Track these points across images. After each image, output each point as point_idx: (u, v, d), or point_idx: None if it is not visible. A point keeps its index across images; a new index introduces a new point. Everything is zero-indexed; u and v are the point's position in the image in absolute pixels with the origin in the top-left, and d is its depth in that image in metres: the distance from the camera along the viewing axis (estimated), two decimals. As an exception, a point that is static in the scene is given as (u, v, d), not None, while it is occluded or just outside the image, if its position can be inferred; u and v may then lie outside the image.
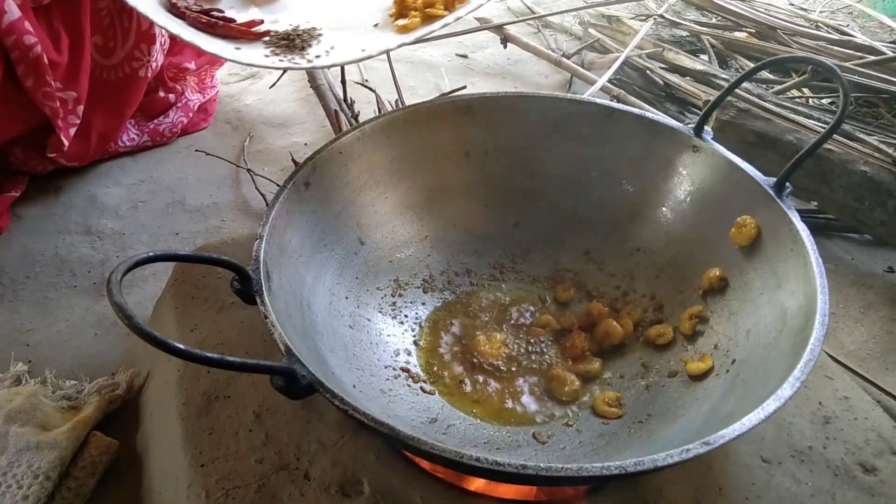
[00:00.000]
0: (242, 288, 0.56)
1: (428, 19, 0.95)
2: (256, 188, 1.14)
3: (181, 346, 0.43)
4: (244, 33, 0.95)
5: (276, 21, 0.99)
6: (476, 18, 1.68)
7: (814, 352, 0.53)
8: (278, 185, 0.67)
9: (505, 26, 1.59)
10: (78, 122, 1.06)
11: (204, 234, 1.08)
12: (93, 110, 1.10)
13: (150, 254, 0.49)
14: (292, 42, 0.92)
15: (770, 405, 0.49)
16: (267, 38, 0.94)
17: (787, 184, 0.67)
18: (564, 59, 1.51)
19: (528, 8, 1.81)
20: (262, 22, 0.98)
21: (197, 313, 0.75)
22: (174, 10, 0.95)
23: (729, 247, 0.70)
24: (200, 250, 0.83)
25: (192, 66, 1.27)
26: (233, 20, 0.96)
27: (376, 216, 0.78)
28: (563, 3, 1.87)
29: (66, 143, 1.04)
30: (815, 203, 1.10)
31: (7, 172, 1.12)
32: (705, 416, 0.59)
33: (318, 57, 0.90)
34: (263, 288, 0.56)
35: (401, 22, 0.95)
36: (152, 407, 0.75)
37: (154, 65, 1.15)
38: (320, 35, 0.95)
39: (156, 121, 1.25)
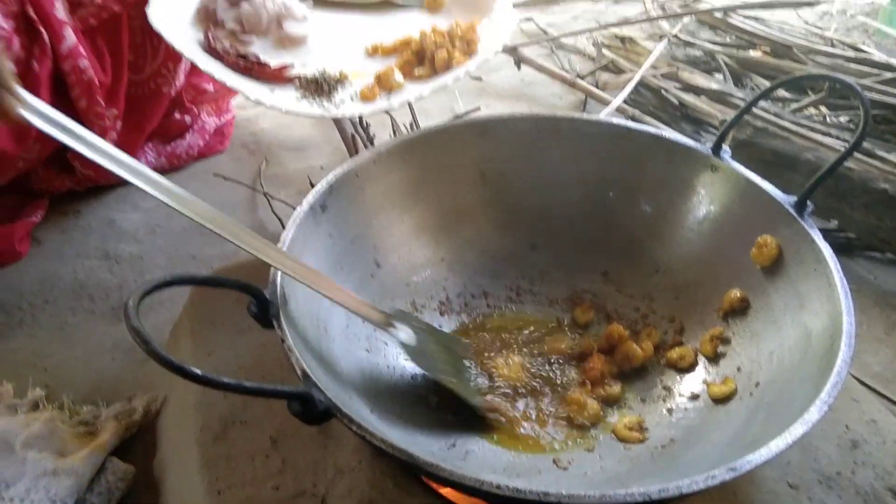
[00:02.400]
0: (259, 311, 0.56)
1: (436, 71, 1.01)
2: (273, 212, 1.15)
3: (198, 372, 0.43)
4: (277, 77, 0.98)
5: (305, 65, 1.03)
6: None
7: (841, 374, 0.52)
8: (294, 209, 0.67)
9: (518, 48, 1.60)
10: (116, 137, 1.09)
11: (221, 257, 1.08)
12: None
13: (167, 278, 0.49)
14: (320, 87, 0.97)
15: (797, 429, 0.48)
16: (297, 82, 0.98)
17: (809, 202, 0.66)
18: (579, 80, 1.52)
19: (542, 29, 1.82)
20: (292, 66, 1.01)
21: (214, 337, 0.75)
22: (212, 52, 0.99)
23: (750, 267, 0.69)
24: (217, 274, 0.84)
25: (210, 88, 1.29)
26: (267, 64, 0.99)
27: (392, 238, 0.78)
28: (576, 25, 1.87)
29: None
30: (835, 222, 1.08)
31: (26, 195, 1.13)
32: (730, 441, 0.58)
33: (343, 103, 0.95)
34: (280, 311, 0.55)
35: (416, 71, 1.01)
36: (169, 432, 0.74)
37: (178, 83, 1.17)
38: (346, 80, 0.99)
39: (172, 143, 1.26)
